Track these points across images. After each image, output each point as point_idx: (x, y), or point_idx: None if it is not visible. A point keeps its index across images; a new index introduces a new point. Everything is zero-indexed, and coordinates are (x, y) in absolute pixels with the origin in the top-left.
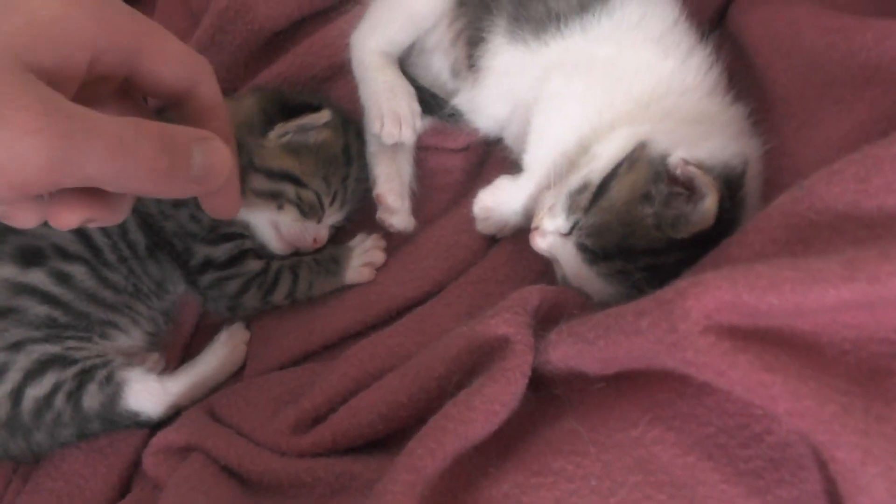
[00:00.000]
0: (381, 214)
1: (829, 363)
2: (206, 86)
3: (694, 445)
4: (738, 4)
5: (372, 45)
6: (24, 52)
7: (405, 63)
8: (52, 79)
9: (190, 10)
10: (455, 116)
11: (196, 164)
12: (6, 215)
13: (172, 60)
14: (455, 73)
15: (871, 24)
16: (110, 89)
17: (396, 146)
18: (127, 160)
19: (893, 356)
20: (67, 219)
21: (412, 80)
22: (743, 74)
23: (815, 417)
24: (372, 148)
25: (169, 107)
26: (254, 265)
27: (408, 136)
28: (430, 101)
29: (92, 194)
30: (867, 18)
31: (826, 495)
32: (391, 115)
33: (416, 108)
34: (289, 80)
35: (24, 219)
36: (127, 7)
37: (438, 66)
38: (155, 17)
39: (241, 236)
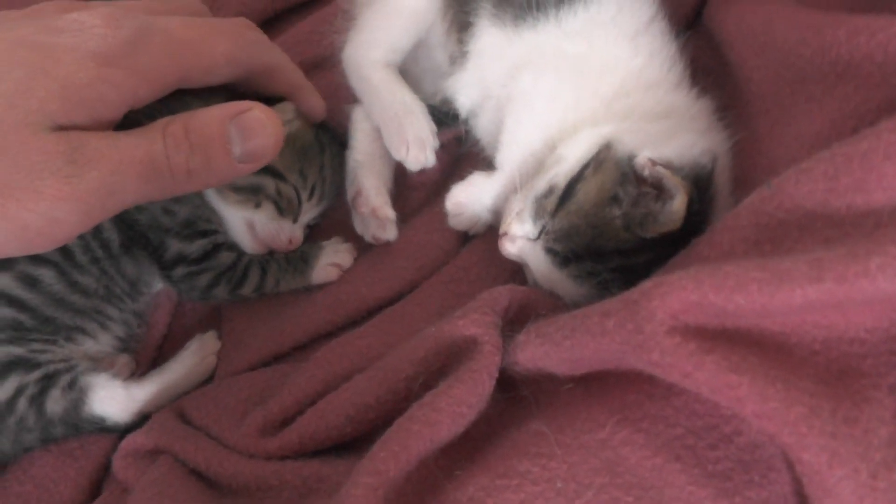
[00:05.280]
0: (374, 231)
1: (797, 364)
2: (262, 58)
3: (662, 447)
4: (713, 1)
5: (375, 56)
6: (57, 116)
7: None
8: (88, 128)
9: None
10: (453, 117)
11: (237, 147)
12: None
13: (219, 64)
14: (452, 61)
15: (843, 20)
16: None
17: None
18: (162, 174)
19: (863, 356)
20: None
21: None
22: (718, 71)
23: (782, 419)
24: (359, 157)
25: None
26: (225, 258)
27: (432, 160)
28: (436, 114)
29: None
30: (839, 14)
31: (796, 496)
32: (416, 141)
33: (434, 126)
34: None
35: None
36: (163, 32)
37: (440, 59)
38: None
39: (215, 231)
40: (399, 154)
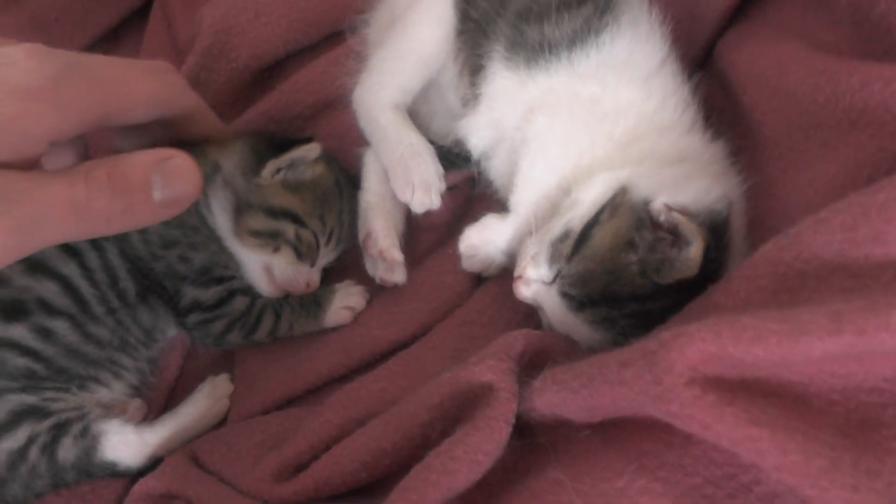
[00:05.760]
0: (382, 273)
1: (817, 415)
2: (180, 101)
3: (680, 496)
4: (725, 42)
5: (384, 98)
6: None
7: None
8: (10, 165)
9: (176, 48)
10: (463, 158)
11: (158, 193)
12: None
13: (139, 104)
14: (465, 103)
15: (855, 67)
16: None
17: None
18: (83, 217)
19: (883, 406)
20: None
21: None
22: (730, 112)
23: (803, 472)
24: (370, 199)
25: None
26: (239, 304)
27: (437, 203)
28: (447, 155)
29: None
30: (852, 61)
31: None
32: (422, 184)
33: (441, 169)
34: (274, 118)
35: None
36: (85, 69)
37: (452, 100)
38: (141, 55)
39: (231, 277)
40: (404, 196)
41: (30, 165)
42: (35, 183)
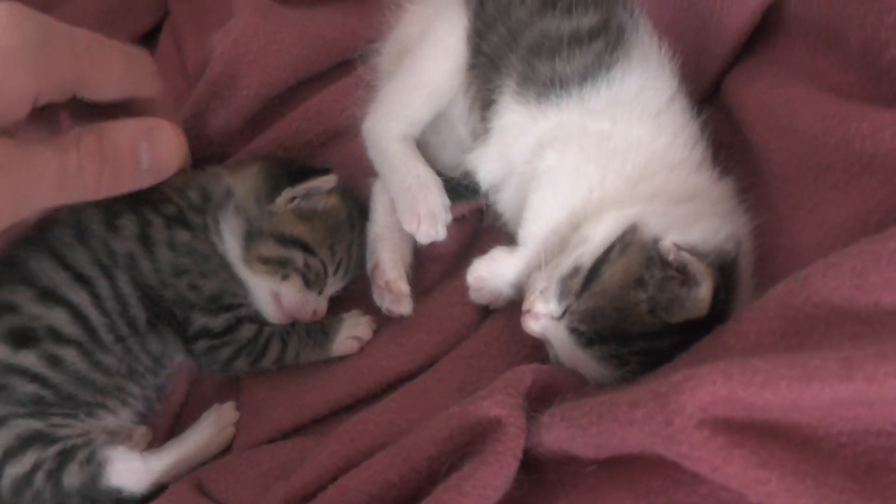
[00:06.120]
0: (388, 304)
1: (826, 458)
2: (150, 85)
3: None
4: (733, 77)
5: (394, 129)
6: None
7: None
8: None
9: (185, 73)
10: (472, 190)
11: (144, 160)
12: None
13: (114, 78)
14: (475, 136)
15: (866, 112)
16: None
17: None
18: (74, 184)
19: (891, 450)
20: None
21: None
22: (738, 148)
23: None
24: (378, 230)
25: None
26: (247, 332)
27: (442, 234)
28: (454, 187)
29: None
30: (863, 106)
31: None
32: (428, 215)
33: (447, 201)
34: (283, 146)
35: None
36: (66, 36)
37: (462, 133)
38: None
39: (240, 305)
40: (410, 227)
41: (13, 128)
42: (25, 150)
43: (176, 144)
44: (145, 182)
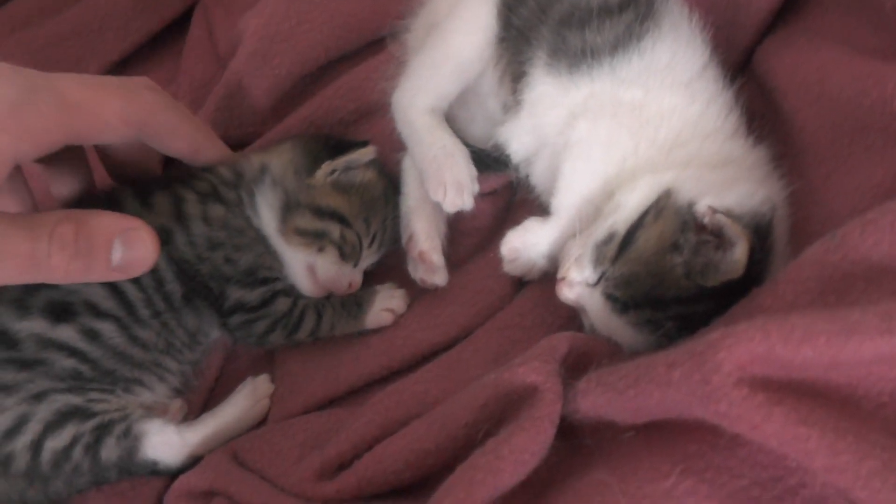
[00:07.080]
0: (422, 275)
1: (866, 417)
2: (157, 119)
3: (726, 498)
4: (765, 48)
5: (421, 103)
6: None
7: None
8: None
9: (216, 56)
10: (501, 162)
11: (116, 258)
12: None
13: (111, 124)
14: (506, 109)
15: None
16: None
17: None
18: (39, 270)
19: None
20: None
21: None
22: (770, 117)
23: (854, 473)
24: (410, 203)
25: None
26: (282, 305)
27: (469, 203)
28: (483, 158)
29: None
30: None
31: None
32: (454, 184)
33: (474, 171)
34: (315, 124)
35: None
36: (54, 91)
37: (492, 106)
38: (182, 61)
39: (275, 279)
40: (437, 196)
41: None
42: None
43: (151, 248)
44: (112, 278)
